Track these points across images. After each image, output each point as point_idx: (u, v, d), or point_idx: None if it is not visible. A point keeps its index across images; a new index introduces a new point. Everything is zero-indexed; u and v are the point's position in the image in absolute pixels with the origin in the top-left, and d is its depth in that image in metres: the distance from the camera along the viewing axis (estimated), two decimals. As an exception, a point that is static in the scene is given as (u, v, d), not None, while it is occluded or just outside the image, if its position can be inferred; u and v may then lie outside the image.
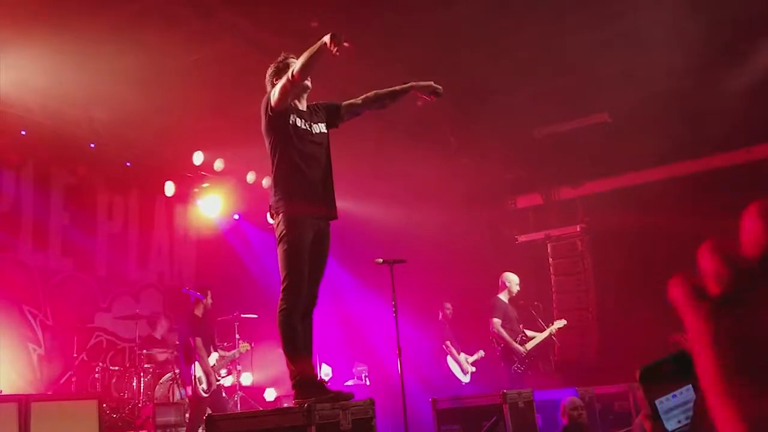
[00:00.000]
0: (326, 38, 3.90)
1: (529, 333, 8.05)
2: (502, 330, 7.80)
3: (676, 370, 1.55)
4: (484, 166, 10.32)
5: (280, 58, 4.31)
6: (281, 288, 3.96)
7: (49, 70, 7.61)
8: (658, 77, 8.35)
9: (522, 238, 10.57)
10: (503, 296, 8.07)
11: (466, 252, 9.83)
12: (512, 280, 8.11)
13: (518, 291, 8.12)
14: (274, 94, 4.02)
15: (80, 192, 8.89)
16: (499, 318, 7.85)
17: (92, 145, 8.59)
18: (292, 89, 4.00)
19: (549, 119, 9.54)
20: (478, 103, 9.01)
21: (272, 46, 7.33)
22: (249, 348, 8.02)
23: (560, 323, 8.20)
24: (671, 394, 1.53)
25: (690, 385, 1.53)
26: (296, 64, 3.96)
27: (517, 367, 7.76)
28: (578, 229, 10.19)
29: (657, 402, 1.48)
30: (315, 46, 3.93)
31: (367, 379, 9.26)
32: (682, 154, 9.21)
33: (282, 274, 3.96)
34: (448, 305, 9.20)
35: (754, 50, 7.99)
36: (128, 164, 9.20)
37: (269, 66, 4.41)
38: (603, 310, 9.78)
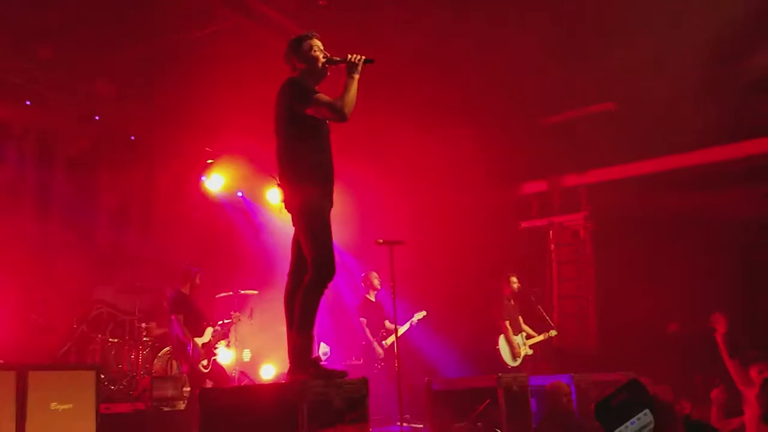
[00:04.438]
0: (356, 59, 4.12)
1: (388, 324, 8.28)
2: (366, 329, 8.16)
3: (630, 398, 1.57)
4: (490, 151, 10.28)
5: (303, 34, 4.28)
6: (312, 261, 3.92)
7: (55, 41, 7.60)
8: (665, 66, 8.28)
9: (525, 225, 10.55)
10: (370, 296, 8.43)
11: (468, 236, 9.81)
12: (373, 278, 8.47)
13: (381, 283, 8.44)
14: (309, 103, 4.00)
15: (83, 164, 8.89)
16: (365, 318, 8.23)
17: (96, 118, 8.57)
18: (329, 118, 4.07)
19: (556, 106, 9.48)
20: (486, 87, 8.96)
21: (279, 23, 7.31)
22: (239, 317, 8.03)
23: (420, 314, 8.35)
24: (629, 421, 1.55)
25: (647, 410, 1.55)
26: (346, 104, 4.01)
27: (378, 363, 8.03)
28: (581, 216, 10.16)
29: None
30: (353, 81, 4.08)
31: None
32: (688, 145, 9.16)
33: (312, 248, 3.94)
34: (514, 278, 8.70)
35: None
36: (132, 138, 9.18)
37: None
38: (603, 297, 9.78)
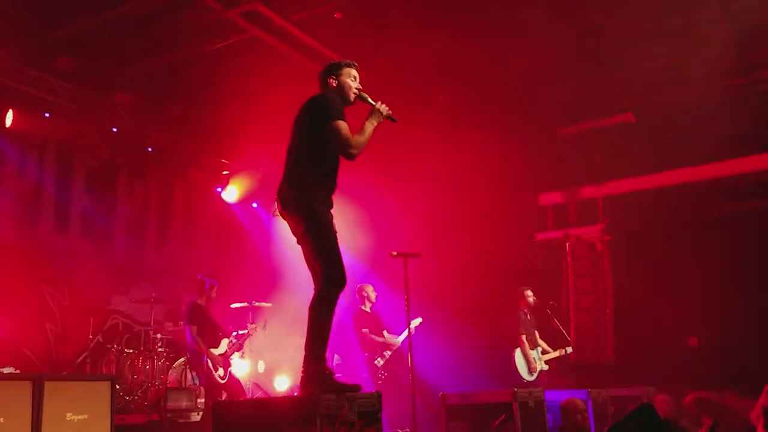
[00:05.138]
0: (383, 110, 4.22)
1: (387, 335, 8.16)
2: (373, 337, 8.03)
3: (644, 423, 1.55)
4: (506, 162, 10.24)
5: (343, 61, 4.40)
6: (322, 275, 3.93)
7: (74, 54, 7.69)
8: (684, 79, 8.22)
9: (540, 237, 10.46)
10: (365, 307, 8.25)
11: (483, 248, 9.75)
12: (369, 290, 8.32)
13: (376, 297, 8.33)
14: (332, 123, 4.04)
15: (101, 175, 8.99)
16: (366, 328, 8.09)
17: (114, 129, 8.65)
18: (338, 149, 4.08)
19: (574, 117, 9.43)
20: (503, 98, 8.93)
21: (295, 36, 7.34)
22: (255, 328, 8.02)
23: (416, 321, 8.11)
24: None
25: None
26: (360, 145, 4.08)
27: (381, 374, 7.91)
28: (598, 229, 10.06)
29: None
30: (372, 127, 4.16)
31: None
32: (706, 156, 9.05)
33: (321, 259, 3.95)
34: (529, 292, 8.61)
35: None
36: (149, 149, 9.25)
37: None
38: (620, 311, 9.66)
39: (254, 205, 10.55)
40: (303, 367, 3.94)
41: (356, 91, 4.33)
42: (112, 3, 6.82)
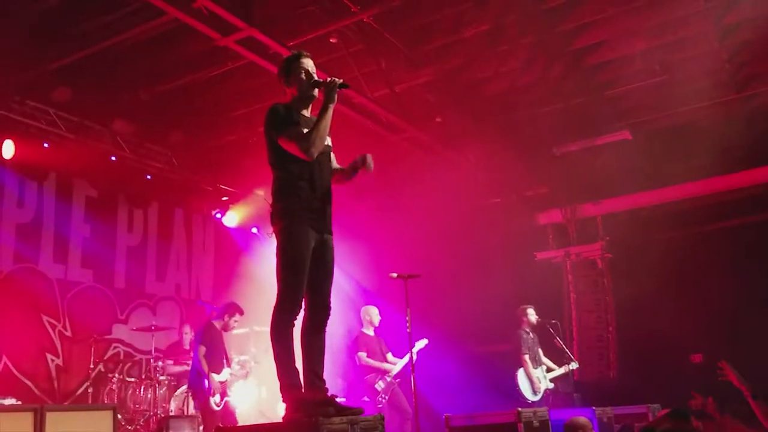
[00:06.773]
0: (331, 84, 3.85)
1: (391, 358, 8.01)
2: (369, 361, 7.86)
3: (675, 428, 1.55)
4: (505, 182, 10.27)
5: (293, 54, 4.07)
6: (276, 297, 3.80)
7: (72, 83, 7.75)
8: (679, 95, 8.28)
9: (541, 256, 10.45)
10: (367, 330, 8.11)
11: (484, 269, 9.74)
12: (372, 313, 8.16)
13: (380, 321, 8.15)
14: (280, 135, 3.81)
15: (101, 204, 9.00)
16: (363, 352, 7.92)
17: (113, 158, 8.68)
18: (297, 154, 3.80)
19: (571, 136, 9.47)
20: (500, 118, 8.98)
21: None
22: (255, 355, 7.94)
23: (421, 343, 7.90)
24: None
25: None
26: (313, 143, 3.74)
27: (382, 397, 7.74)
28: (598, 247, 10.05)
29: None
30: (327, 112, 3.81)
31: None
32: (704, 173, 9.08)
33: (278, 283, 3.81)
34: (531, 311, 8.46)
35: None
36: (149, 177, 9.28)
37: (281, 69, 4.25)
38: (623, 329, 9.62)
39: (254, 230, 10.55)
40: (282, 399, 3.80)
41: (306, 82, 3.95)
42: (109, 33, 6.89)
